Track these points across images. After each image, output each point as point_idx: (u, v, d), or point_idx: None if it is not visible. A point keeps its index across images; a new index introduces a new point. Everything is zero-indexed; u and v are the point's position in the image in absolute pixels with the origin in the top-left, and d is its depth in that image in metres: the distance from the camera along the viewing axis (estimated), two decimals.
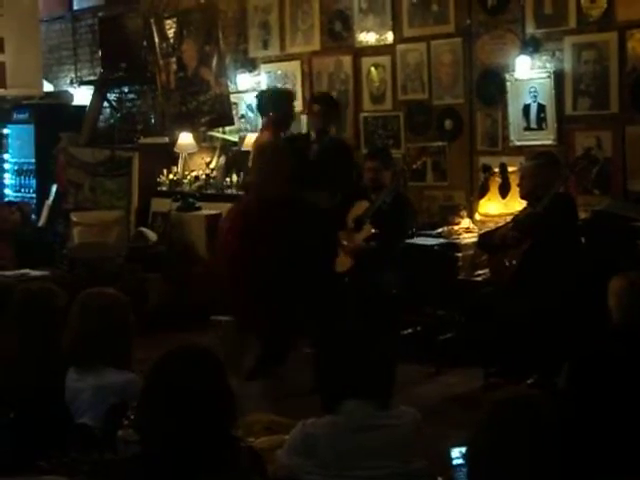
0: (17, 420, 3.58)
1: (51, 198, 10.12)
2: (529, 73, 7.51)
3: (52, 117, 10.67)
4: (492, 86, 7.83)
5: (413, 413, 3.22)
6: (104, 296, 3.92)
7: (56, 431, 3.52)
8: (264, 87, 9.42)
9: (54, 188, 10.13)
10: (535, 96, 7.52)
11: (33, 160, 10.65)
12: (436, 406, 6.05)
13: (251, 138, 9.14)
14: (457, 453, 2.99)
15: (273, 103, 7.49)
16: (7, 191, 11.06)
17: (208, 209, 9.47)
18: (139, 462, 2.62)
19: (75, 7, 11.82)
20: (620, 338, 4.12)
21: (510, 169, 7.61)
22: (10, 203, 9.73)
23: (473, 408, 5.82)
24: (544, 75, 7.45)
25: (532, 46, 7.48)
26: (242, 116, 9.73)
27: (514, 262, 6.40)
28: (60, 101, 11.31)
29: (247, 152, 9.07)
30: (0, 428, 3.56)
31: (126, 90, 11.07)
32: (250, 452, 2.83)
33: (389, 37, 8.48)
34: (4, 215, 8.21)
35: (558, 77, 7.38)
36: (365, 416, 3.09)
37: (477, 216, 7.92)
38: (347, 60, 8.84)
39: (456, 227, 7.80)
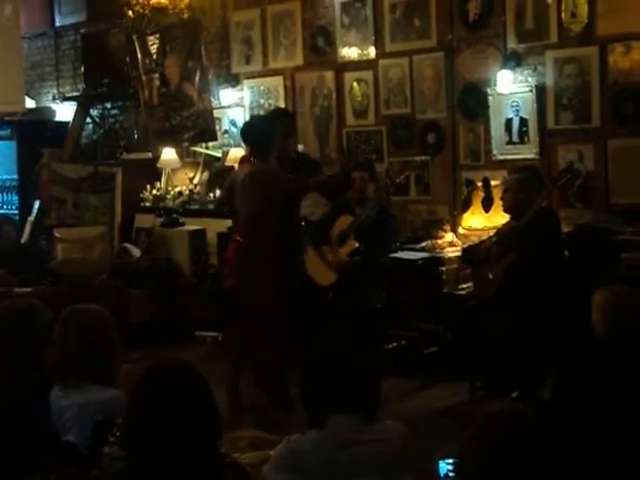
0: (2, 438, 3.55)
1: (34, 214, 10.08)
2: (511, 87, 7.55)
3: (34, 133, 10.64)
4: (474, 100, 7.87)
5: (400, 428, 3.21)
6: (88, 312, 3.90)
7: (41, 449, 3.50)
8: (247, 102, 9.45)
9: (37, 204, 10.09)
10: (517, 110, 7.56)
11: (15, 176, 10.61)
12: (422, 420, 6.04)
13: (234, 153, 9.16)
14: (445, 465, 2.99)
15: (251, 135, 7.18)
16: None
17: (192, 224, 9.48)
18: (125, 478, 2.60)
19: (57, 23, 11.82)
20: (604, 351, 4.13)
21: (493, 183, 7.65)
22: None
23: (459, 422, 5.88)
24: (526, 89, 7.49)
25: (514, 60, 7.53)
26: (225, 131, 9.75)
27: (498, 276, 6.42)
28: (42, 117, 11.29)
29: (231, 167, 9.08)
30: None
31: (109, 106, 11.06)
32: (236, 468, 2.82)
33: (371, 52, 8.52)
34: None
35: (540, 91, 7.42)
36: (350, 431, 3.08)
37: (460, 230, 7.95)
38: (330, 75, 8.87)
39: (440, 241, 7.83)
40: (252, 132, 6.84)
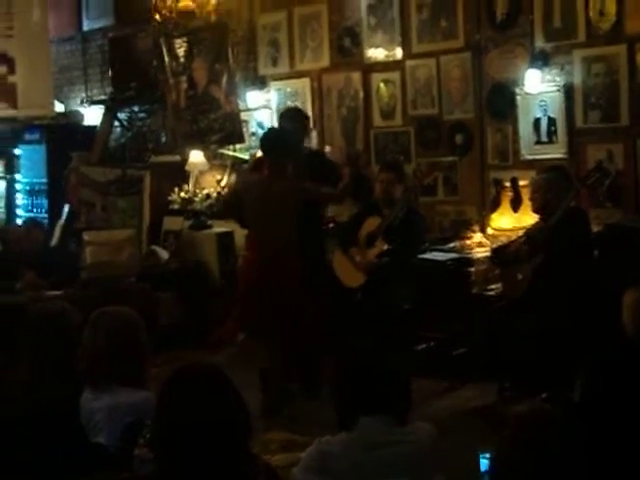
0: (34, 440, 3.58)
1: (63, 218, 10.13)
2: (539, 87, 7.51)
3: (63, 137, 10.68)
4: (502, 100, 7.83)
5: (429, 429, 3.21)
6: (118, 315, 3.92)
7: (72, 451, 3.52)
8: (274, 104, 9.45)
9: (66, 208, 10.14)
10: (545, 110, 7.53)
11: (45, 180, 10.66)
12: (451, 421, 6.03)
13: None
14: (485, 460, 2.95)
15: (271, 148, 6.96)
16: (19, 211, 11.07)
17: (219, 227, 9.49)
18: None
19: (85, 28, 11.87)
20: (634, 352, 4.10)
21: (521, 183, 7.61)
22: (25, 223, 9.73)
23: (488, 423, 5.86)
24: (554, 89, 7.45)
25: (541, 60, 7.49)
26: (252, 134, 9.74)
27: (527, 276, 6.39)
28: (71, 121, 11.35)
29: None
30: (19, 449, 3.56)
31: (136, 109, 11.08)
32: (268, 469, 2.82)
33: (398, 53, 8.50)
34: (18, 236, 8.21)
35: (568, 90, 7.38)
36: (380, 432, 3.08)
37: (489, 230, 7.92)
38: (356, 76, 8.85)
39: (468, 242, 7.80)
40: (272, 145, 6.83)
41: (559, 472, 2.29)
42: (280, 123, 7.70)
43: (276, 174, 6.67)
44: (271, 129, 8.21)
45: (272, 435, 4.12)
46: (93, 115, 11.29)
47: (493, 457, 2.39)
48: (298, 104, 8.96)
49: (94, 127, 10.94)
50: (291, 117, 7.59)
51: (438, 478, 3.14)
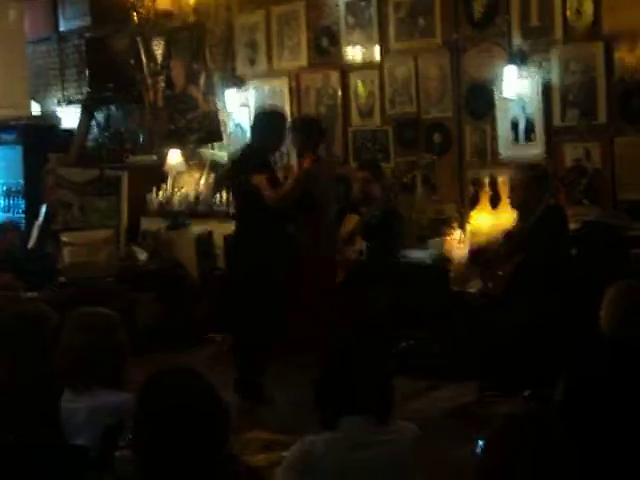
0: (11, 443, 3.54)
1: (41, 219, 10.07)
2: (517, 86, 7.51)
3: (40, 138, 10.63)
4: (480, 99, 7.84)
5: (413, 428, 3.20)
6: (96, 316, 3.88)
7: (52, 453, 3.49)
8: (252, 103, 9.44)
9: (44, 209, 10.09)
10: (523, 108, 7.54)
11: (21, 181, 10.61)
12: (431, 420, 6.02)
13: None
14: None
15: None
16: None
17: (198, 227, 9.47)
18: None
19: (61, 28, 11.79)
20: (615, 348, 4.11)
21: (500, 180, 7.62)
22: (2, 224, 9.67)
23: (469, 422, 5.86)
24: (532, 87, 7.45)
25: (519, 58, 7.50)
26: (231, 133, 9.72)
27: (507, 274, 6.39)
28: (48, 122, 11.29)
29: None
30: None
31: (114, 109, 11.04)
32: (249, 470, 2.81)
33: (376, 52, 8.49)
34: None
35: (546, 89, 7.40)
36: (365, 432, 3.06)
37: (468, 228, 7.92)
38: (334, 75, 8.85)
39: (447, 240, 7.80)
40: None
41: (550, 473, 2.28)
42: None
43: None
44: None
45: (253, 434, 4.10)
46: (70, 116, 11.24)
47: (480, 458, 2.38)
48: (276, 104, 8.93)
49: (71, 127, 10.89)
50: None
51: (420, 478, 3.13)
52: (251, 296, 6.59)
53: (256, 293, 6.56)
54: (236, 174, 6.98)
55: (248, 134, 9.24)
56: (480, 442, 2.60)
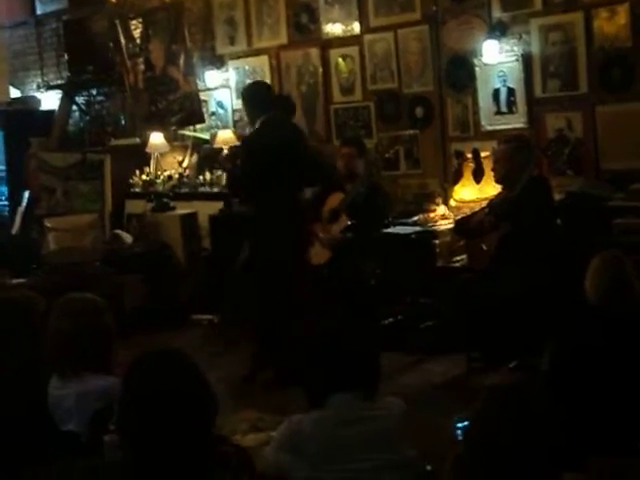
0: (2, 430, 3.55)
1: (24, 204, 10.04)
2: (497, 57, 7.51)
3: (21, 123, 10.59)
4: (461, 72, 7.83)
5: (400, 403, 3.22)
6: (82, 301, 3.88)
7: (41, 439, 3.50)
8: (233, 83, 9.40)
9: (26, 194, 10.05)
10: (504, 80, 7.53)
11: (3, 167, 10.57)
12: (420, 394, 6.06)
13: (222, 135, 9.14)
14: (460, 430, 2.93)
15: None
16: None
17: (183, 208, 9.46)
18: (128, 466, 2.59)
19: (38, 11, 11.74)
20: (601, 318, 4.13)
21: (483, 154, 7.63)
22: None
23: (458, 394, 5.89)
24: (512, 59, 7.46)
25: (499, 30, 7.49)
26: (212, 113, 9.70)
27: (491, 247, 6.41)
28: (28, 106, 11.22)
29: (220, 149, 9.08)
30: None
31: (94, 92, 11.00)
32: (238, 450, 2.81)
33: (356, 27, 8.46)
34: None
35: (526, 60, 7.39)
36: (352, 409, 3.08)
37: (452, 202, 7.93)
38: (315, 52, 8.82)
39: (432, 214, 7.81)
40: None
41: (534, 442, 2.30)
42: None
43: None
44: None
45: (242, 415, 4.11)
46: (50, 100, 11.18)
47: (467, 429, 2.40)
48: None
49: (52, 112, 10.84)
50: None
51: (411, 453, 3.14)
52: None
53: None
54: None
55: (229, 114, 9.33)
56: (459, 423, 2.64)
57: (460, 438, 2.80)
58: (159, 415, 2.49)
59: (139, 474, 2.51)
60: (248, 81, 9.00)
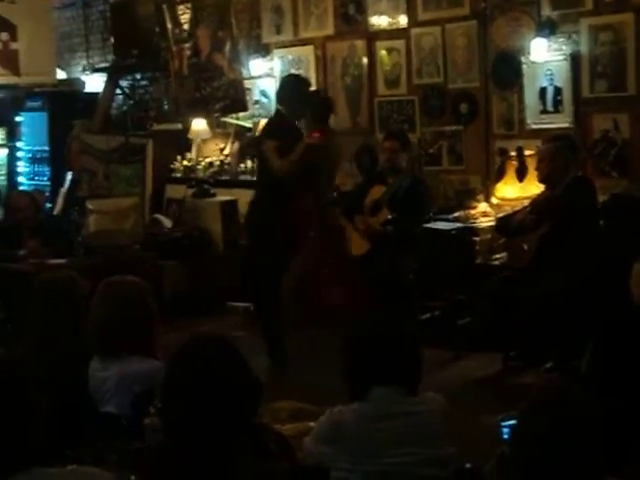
0: (42, 410, 3.57)
1: (66, 186, 10.11)
2: (545, 56, 7.45)
3: (65, 104, 10.66)
4: (508, 69, 7.78)
5: (440, 399, 3.21)
6: (125, 284, 3.91)
7: (82, 420, 3.52)
8: (277, 72, 9.40)
9: (69, 176, 10.12)
10: (551, 79, 7.48)
11: (47, 148, 10.65)
12: (457, 390, 6.03)
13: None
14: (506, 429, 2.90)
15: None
16: (21, 179, 11.05)
17: (222, 195, 9.47)
18: (168, 450, 2.61)
19: None
20: None
21: (527, 152, 7.58)
22: (27, 191, 9.71)
23: (494, 392, 5.87)
24: (560, 57, 7.39)
25: (548, 28, 7.42)
26: (256, 102, 9.70)
27: (532, 246, 6.38)
28: (73, 88, 11.31)
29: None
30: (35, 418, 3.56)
31: (139, 77, 11.04)
32: (279, 438, 2.82)
33: (403, 21, 8.43)
34: (21, 204, 8.15)
35: (574, 59, 7.33)
36: (393, 403, 3.08)
37: (494, 200, 7.89)
38: (361, 44, 8.79)
39: (473, 211, 7.77)
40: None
41: (583, 446, 2.29)
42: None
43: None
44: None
45: (281, 404, 4.11)
46: (95, 82, 11.25)
47: (515, 429, 2.39)
48: (302, 72, 8.88)
49: (96, 95, 10.90)
50: None
51: (449, 449, 3.13)
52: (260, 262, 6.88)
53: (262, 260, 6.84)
54: (258, 141, 7.05)
55: (273, 103, 9.32)
56: (503, 422, 2.61)
57: (505, 437, 2.78)
58: (203, 400, 2.50)
59: (179, 458, 2.53)
60: (293, 71, 9.01)
